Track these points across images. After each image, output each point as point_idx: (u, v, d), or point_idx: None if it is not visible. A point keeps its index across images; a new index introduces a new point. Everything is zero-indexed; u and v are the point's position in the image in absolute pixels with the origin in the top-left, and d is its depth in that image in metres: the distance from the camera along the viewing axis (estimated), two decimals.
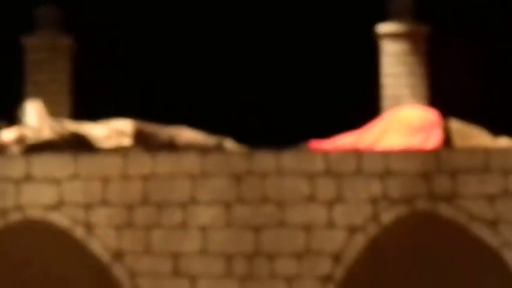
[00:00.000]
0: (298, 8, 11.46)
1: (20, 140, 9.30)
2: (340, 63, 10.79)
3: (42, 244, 9.07)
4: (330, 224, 8.81)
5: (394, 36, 10.21)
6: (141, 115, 9.58)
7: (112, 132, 9.35)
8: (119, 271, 8.82)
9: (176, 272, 8.84)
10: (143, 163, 8.99)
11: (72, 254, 9.02)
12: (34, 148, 9.21)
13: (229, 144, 9.38)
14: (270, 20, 11.36)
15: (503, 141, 9.21)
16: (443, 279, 9.02)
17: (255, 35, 11.31)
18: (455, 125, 9.29)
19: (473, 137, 9.23)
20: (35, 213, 8.92)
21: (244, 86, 11.18)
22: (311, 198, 8.85)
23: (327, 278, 8.74)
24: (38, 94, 10.11)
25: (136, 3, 11.51)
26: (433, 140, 9.22)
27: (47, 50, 10.26)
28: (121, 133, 9.34)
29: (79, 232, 8.87)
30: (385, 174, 8.82)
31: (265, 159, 8.92)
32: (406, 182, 8.80)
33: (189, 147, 9.24)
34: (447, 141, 9.26)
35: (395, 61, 10.14)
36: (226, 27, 11.39)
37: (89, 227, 8.89)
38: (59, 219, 8.91)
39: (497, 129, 9.37)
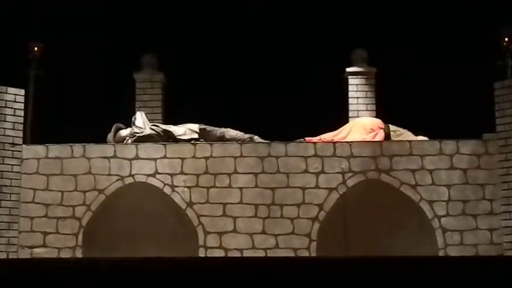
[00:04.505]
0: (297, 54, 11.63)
1: (132, 135, 9.56)
2: (326, 90, 10.76)
3: (145, 197, 9.24)
4: (317, 186, 9.08)
5: (355, 74, 10.37)
6: (204, 121, 9.70)
7: (187, 130, 9.55)
8: (190, 213, 9.08)
9: (224, 215, 9.07)
10: (205, 149, 9.23)
11: (163, 203, 9.15)
12: (140, 140, 9.43)
13: (257, 138, 9.53)
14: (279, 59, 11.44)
15: (420, 137, 9.41)
16: (383, 221, 9.14)
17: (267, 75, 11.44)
18: (392, 127, 9.55)
19: (403, 135, 9.45)
20: (141, 178, 9.18)
21: (268, 110, 11.08)
22: (306, 171, 9.11)
23: (314, 219, 9.02)
24: (143, 108, 10.28)
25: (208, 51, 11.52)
26: (378, 136, 9.48)
27: (148, 81, 10.48)
28: (192, 131, 9.54)
29: (167, 190, 9.12)
30: (350, 156, 9.12)
31: (279, 147, 9.18)
32: (363, 161, 9.12)
33: (233, 140, 9.43)
34: (387, 137, 9.48)
35: (356, 89, 10.29)
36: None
37: (173, 187, 9.13)
38: (155, 182, 9.15)
39: (416, 130, 9.54)
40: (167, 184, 9.18)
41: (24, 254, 8.96)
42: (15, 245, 9.03)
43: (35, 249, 9.04)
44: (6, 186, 9.05)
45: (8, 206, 9.05)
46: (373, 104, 10.26)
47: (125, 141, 9.59)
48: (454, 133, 9.22)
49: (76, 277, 3.57)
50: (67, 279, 3.53)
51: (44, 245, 9.08)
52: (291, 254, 8.87)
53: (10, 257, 8.87)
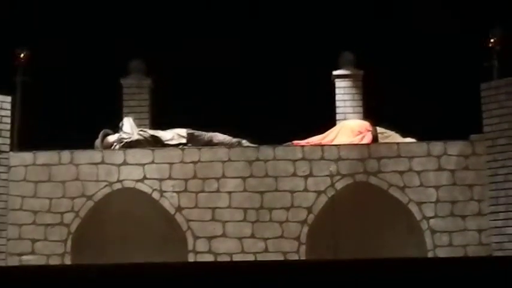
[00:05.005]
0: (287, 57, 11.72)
1: (120, 141, 9.56)
2: (313, 93, 10.85)
3: (134, 202, 9.21)
4: (306, 190, 9.09)
5: (342, 76, 10.41)
6: (192, 125, 9.73)
7: (175, 135, 9.58)
8: (179, 218, 9.08)
9: (213, 219, 9.07)
10: (193, 154, 9.22)
11: (152, 208, 9.15)
12: (128, 145, 9.44)
13: (245, 142, 9.57)
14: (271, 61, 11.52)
15: (408, 139, 9.46)
16: (372, 223, 9.17)
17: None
18: (379, 129, 9.59)
19: (390, 137, 9.50)
20: (129, 184, 9.17)
21: (255, 114, 11.11)
22: (294, 174, 9.12)
23: (303, 222, 9.03)
24: (130, 113, 10.23)
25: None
26: (366, 139, 9.53)
27: (135, 87, 10.48)
28: (180, 136, 9.57)
29: (155, 195, 9.12)
30: (338, 159, 9.14)
31: (267, 151, 9.20)
32: (351, 164, 9.13)
33: (221, 144, 9.47)
34: (374, 139, 9.52)
35: (343, 92, 10.33)
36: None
37: (161, 192, 9.12)
38: (144, 187, 9.16)
39: (404, 132, 9.59)
40: (155, 189, 9.17)
41: (13, 262, 8.91)
42: (3, 252, 8.99)
43: (23, 257, 9.00)
44: None
45: None
46: (360, 106, 10.27)
47: (112, 147, 9.56)
48: (442, 134, 9.24)
49: (65, 284, 3.56)
50: (56, 286, 3.51)
51: (33, 252, 9.04)
52: (281, 258, 8.87)
53: None
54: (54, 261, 8.99)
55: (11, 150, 9.27)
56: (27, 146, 9.42)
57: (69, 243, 9.08)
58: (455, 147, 9.13)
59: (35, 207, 9.15)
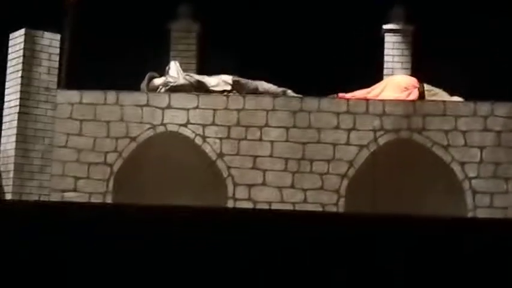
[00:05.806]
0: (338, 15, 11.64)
1: (165, 84, 9.61)
2: (362, 48, 10.60)
3: (176, 146, 9.25)
4: (348, 143, 9.10)
5: (392, 31, 10.32)
6: (238, 73, 9.73)
7: (220, 81, 9.59)
8: (221, 165, 9.17)
9: (254, 168, 9.14)
10: (238, 101, 9.26)
11: (194, 153, 9.24)
12: (173, 89, 9.49)
13: (290, 92, 9.57)
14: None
15: (455, 98, 9.38)
16: (413, 180, 9.11)
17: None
18: (426, 86, 9.48)
19: (437, 94, 9.40)
20: (172, 128, 9.25)
21: (302, 65, 10.97)
22: (337, 127, 9.12)
23: (344, 175, 9.06)
24: (177, 57, 10.26)
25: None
26: (413, 95, 9.43)
27: (183, 31, 10.50)
28: (225, 83, 9.59)
29: (198, 140, 9.20)
30: (383, 115, 9.09)
31: (312, 102, 9.20)
32: (395, 119, 9.08)
33: (266, 93, 9.49)
34: (421, 96, 9.44)
35: (393, 47, 10.24)
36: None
37: (204, 137, 9.19)
38: (187, 132, 9.23)
39: (451, 90, 9.47)
40: (198, 134, 9.20)
41: (56, 198, 9.04)
42: (46, 187, 9.12)
43: (66, 193, 9.12)
44: (39, 130, 9.14)
45: (41, 150, 9.14)
46: (408, 62, 10.14)
47: (158, 90, 9.60)
48: (490, 94, 9.09)
49: (106, 222, 3.60)
50: (96, 223, 3.56)
51: (75, 190, 9.16)
52: (319, 209, 8.87)
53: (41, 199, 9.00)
54: (96, 199, 9.11)
55: (58, 87, 9.34)
56: (74, 84, 9.48)
57: (111, 182, 9.17)
58: (503, 108, 9.01)
59: (79, 145, 9.24)
